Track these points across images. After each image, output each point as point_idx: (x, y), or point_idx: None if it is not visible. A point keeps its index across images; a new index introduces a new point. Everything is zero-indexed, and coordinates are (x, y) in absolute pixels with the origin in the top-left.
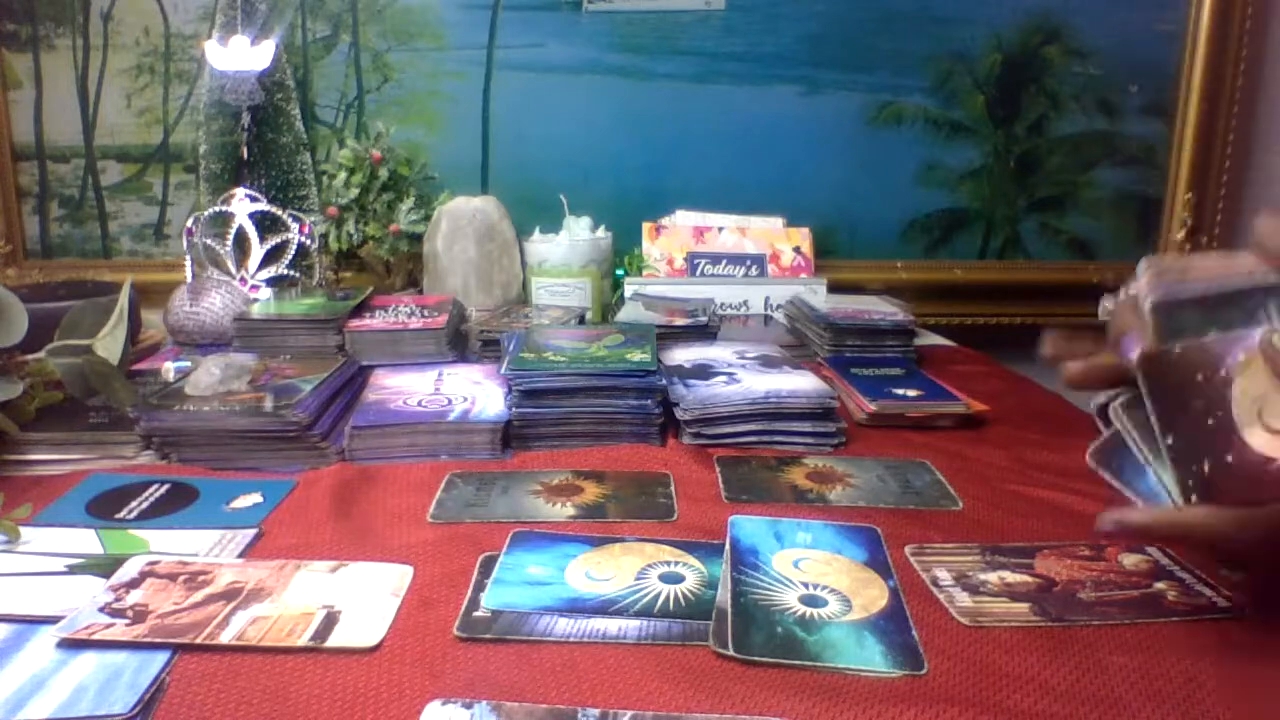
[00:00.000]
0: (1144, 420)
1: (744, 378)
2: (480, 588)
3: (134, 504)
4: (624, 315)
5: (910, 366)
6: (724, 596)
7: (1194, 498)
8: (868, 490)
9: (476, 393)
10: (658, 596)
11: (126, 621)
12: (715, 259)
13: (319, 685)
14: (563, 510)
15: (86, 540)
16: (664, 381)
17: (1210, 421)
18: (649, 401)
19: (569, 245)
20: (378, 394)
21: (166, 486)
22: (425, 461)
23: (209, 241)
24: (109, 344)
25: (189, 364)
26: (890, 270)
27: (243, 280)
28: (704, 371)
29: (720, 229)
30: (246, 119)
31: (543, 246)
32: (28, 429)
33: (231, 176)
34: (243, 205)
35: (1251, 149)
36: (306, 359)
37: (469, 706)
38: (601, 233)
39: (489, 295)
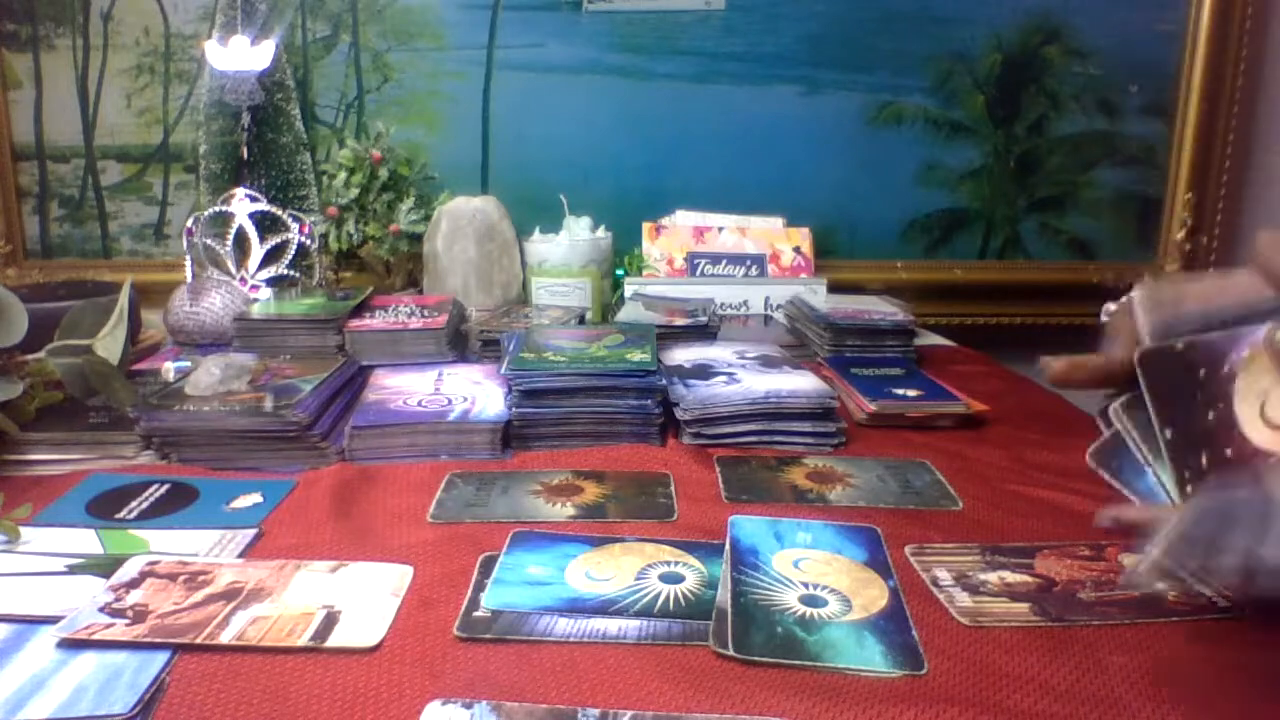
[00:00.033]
0: (1144, 421)
1: (744, 378)
2: (480, 588)
3: (134, 504)
4: (624, 315)
5: (910, 366)
6: (724, 596)
7: (1190, 491)
8: (868, 490)
9: (476, 393)
10: (658, 596)
11: (126, 621)
12: (715, 259)
13: (319, 685)
14: (563, 510)
15: (86, 540)
16: (664, 381)
17: (1210, 416)
18: (649, 401)
19: (569, 245)
20: (378, 394)
21: (166, 486)
22: (425, 461)
23: (209, 241)
24: (109, 344)
25: (189, 364)
26: (890, 270)
27: (243, 280)
28: (704, 371)
29: (720, 229)
30: (246, 119)
31: (543, 246)
32: (28, 429)
33: (231, 176)
34: (243, 205)
35: (1251, 149)
36: (306, 359)
37: (469, 706)
38: (601, 233)
39: (489, 295)
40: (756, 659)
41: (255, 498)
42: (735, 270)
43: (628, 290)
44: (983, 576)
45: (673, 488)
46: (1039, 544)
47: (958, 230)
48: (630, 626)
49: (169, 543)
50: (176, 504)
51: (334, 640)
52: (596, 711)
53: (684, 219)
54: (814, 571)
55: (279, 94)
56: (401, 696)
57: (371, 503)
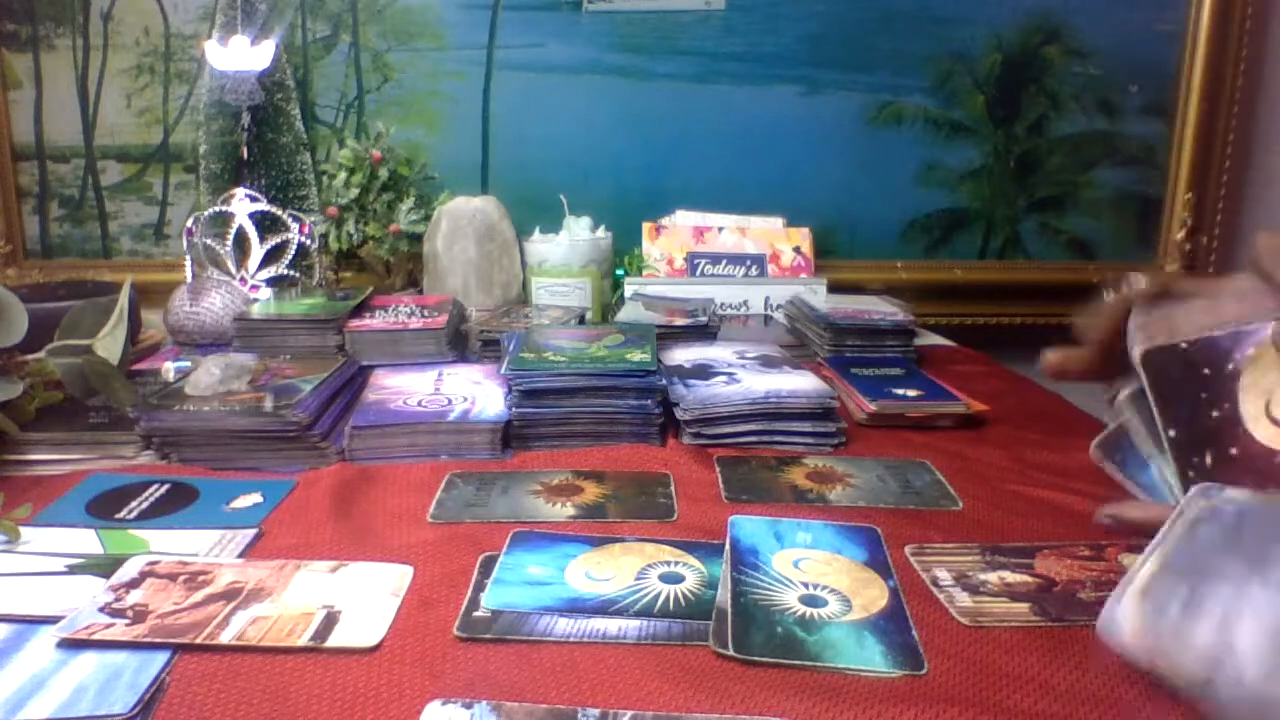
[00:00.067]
0: (1148, 414)
1: (744, 378)
2: (480, 588)
3: (134, 504)
4: (624, 315)
5: (910, 366)
6: (724, 596)
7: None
8: (868, 490)
9: (476, 393)
10: (658, 596)
11: (126, 621)
12: (715, 259)
13: (319, 685)
14: (563, 510)
15: (86, 540)
16: (664, 381)
17: (1215, 414)
18: (649, 401)
19: (569, 245)
20: (378, 394)
21: (166, 486)
22: (425, 461)
23: (209, 241)
24: (109, 344)
25: (189, 364)
26: (890, 270)
27: (243, 280)
28: (704, 371)
29: (720, 229)
30: (246, 119)
31: (543, 246)
32: (28, 429)
33: (231, 176)
34: (243, 205)
35: (1251, 149)
36: (306, 359)
37: (469, 706)
38: (601, 233)
39: (489, 295)
40: (756, 659)
41: (255, 498)
42: (735, 270)
43: (628, 290)
44: (983, 576)
45: (673, 488)
46: (1039, 544)
47: (958, 230)
48: (630, 626)
49: (169, 543)
50: (176, 504)
51: (334, 640)
52: (596, 711)
53: (684, 219)
54: (814, 571)
55: (279, 94)
56: (401, 696)
57: (371, 503)
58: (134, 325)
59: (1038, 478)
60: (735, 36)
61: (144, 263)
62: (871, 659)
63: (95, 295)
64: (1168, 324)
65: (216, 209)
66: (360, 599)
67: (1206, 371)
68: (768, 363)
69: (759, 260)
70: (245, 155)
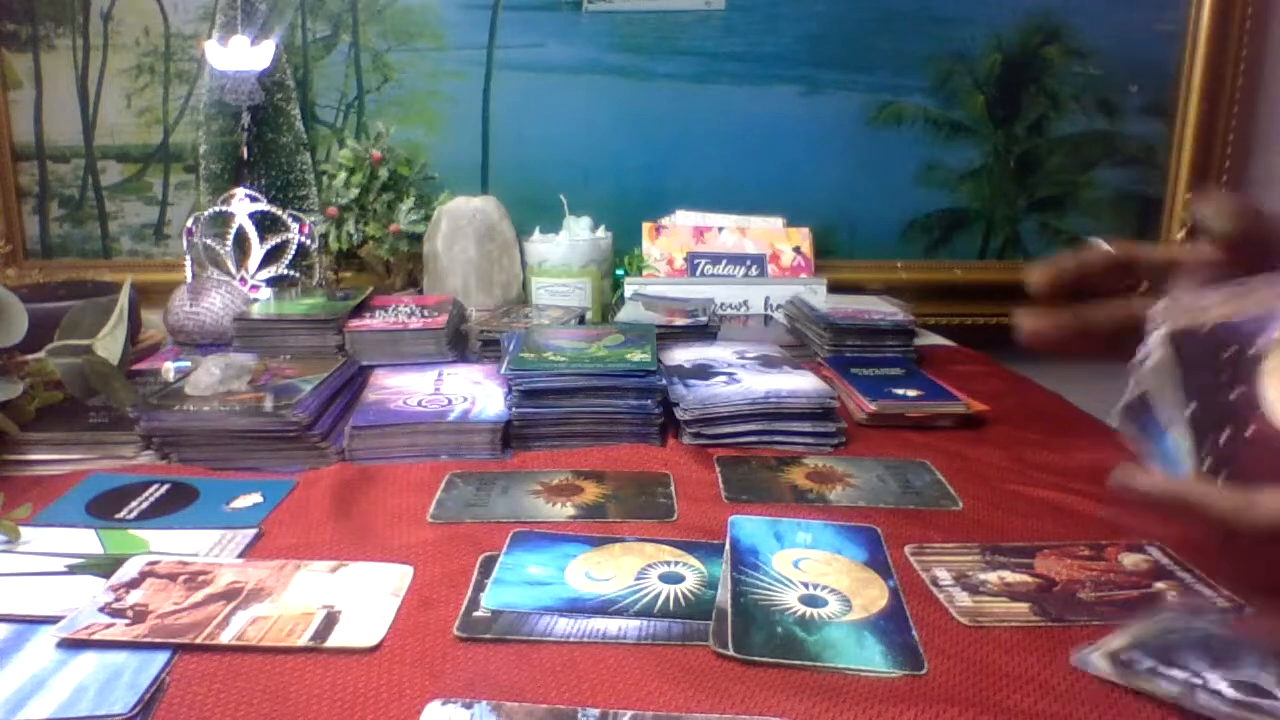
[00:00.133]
0: (1171, 385)
1: (744, 378)
2: (480, 588)
3: (134, 504)
4: (624, 315)
5: (910, 366)
6: (724, 596)
7: (1207, 466)
8: (868, 490)
9: (476, 393)
10: (658, 596)
11: (126, 621)
12: (715, 259)
13: (319, 685)
14: (563, 510)
15: (86, 540)
16: (664, 381)
17: (1233, 396)
18: (649, 401)
19: (569, 245)
20: (378, 394)
21: (166, 486)
22: (425, 461)
23: (209, 241)
24: (109, 344)
25: (189, 364)
26: (890, 270)
27: (243, 280)
28: (704, 371)
29: (720, 229)
30: (246, 119)
31: (543, 246)
32: (28, 429)
33: (231, 176)
34: (243, 205)
35: (1251, 149)
36: (306, 359)
37: (469, 706)
38: (601, 233)
39: (489, 295)
40: (756, 659)
41: (255, 498)
42: (735, 270)
43: (628, 290)
44: (982, 576)
45: (673, 488)
46: (1039, 544)
47: (958, 230)
48: (630, 626)
49: (169, 543)
50: (176, 504)
51: (334, 640)
52: (596, 711)
53: (684, 219)
54: (814, 571)
55: (279, 94)
56: (401, 696)
57: (371, 503)
58: (134, 325)
59: (1038, 478)
60: (735, 36)
61: (144, 263)
62: (871, 659)
63: (95, 295)
64: (1196, 306)
65: (216, 209)
66: (360, 599)
67: (1229, 353)
68: (768, 363)
69: (759, 260)
70: (245, 155)
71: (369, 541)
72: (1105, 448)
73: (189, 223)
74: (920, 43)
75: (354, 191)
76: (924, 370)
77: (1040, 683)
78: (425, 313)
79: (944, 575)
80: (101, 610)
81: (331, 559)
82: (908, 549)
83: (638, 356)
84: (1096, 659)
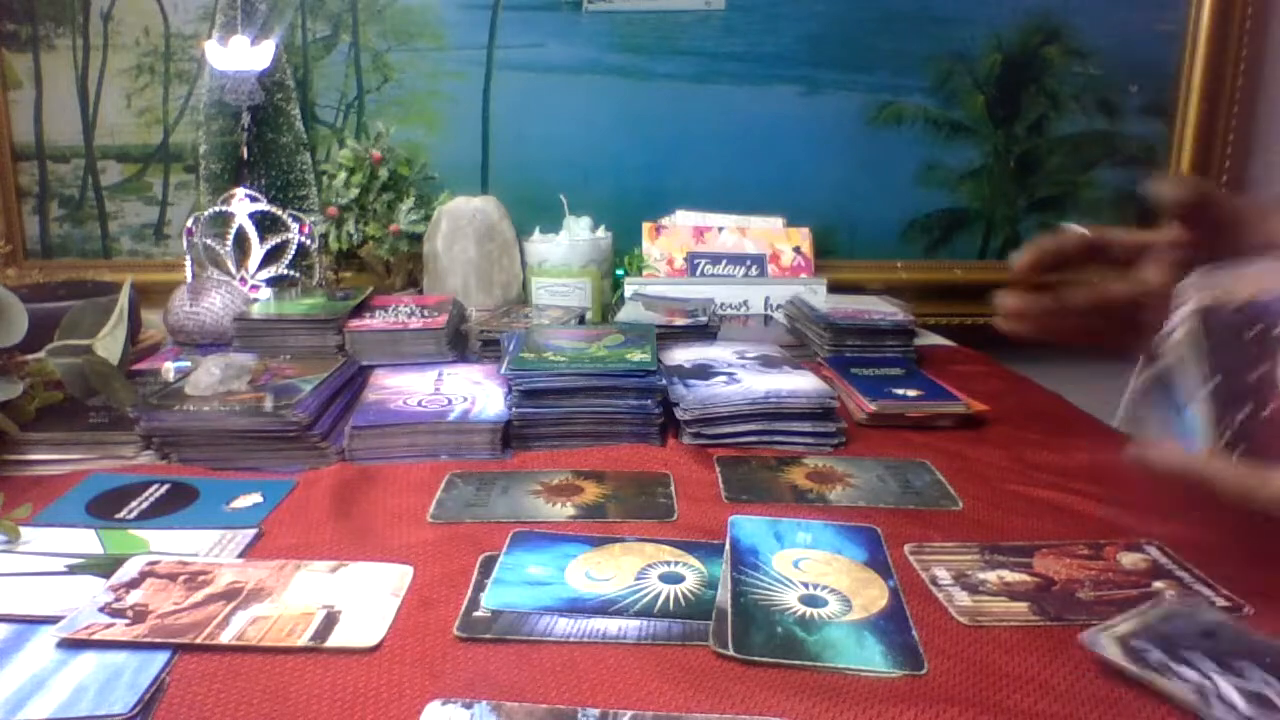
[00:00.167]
0: (1195, 359)
1: (744, 378)
2: (480, 588)
3: (134, 504)
4: (624, 315)
5: (910, 366)
6: (724, 596)
7: (1224, 441)
8: (868, 490)
9: (476, 393)
10: (658, 596)
11: (126, 621)
12: (715, 259)
13: (319, 685)
14: (563, 510)
15: (86, 540)
16: (664, 381)
17: (1255, 375)
18: (649, 401)
19: (569, 245)
20: (378, 394)
21: (166, 486)
22: (425, 461)
23: (209, 241)
24: (109, 344)
25: (189, 364)
26: (890, 270)
27: (243, 280)
28: (704, 371)
29: (720, 229)
30: (246, 119)
31: (543, 246)
32: (28, 429)
33: (231, 176)
34: (243, 205)
35: (1251, 149)
36: (306, 359)
37: (469, 706)
38: (601, 233)
39: (489, 295)
40: (756, 659)
41: (255, 498)
42: (735, 270)
43: (628, 290)
44: (981, 575)
45: (673, 488)
46: (1038, 543)
47: (958, 230)
48: (630, 626)
49: (169, 543)
50: (176, 504)
51: (334, 640)
52: (596, 711)
53: (684, 219)
54: (814, 571)
55: (279, 94)
56: (401, 696)
57: (371, 503)
58: (134, 325)
59: (1038, 478)
60: (735, 36)
61: (144, 263)
62: (871, 659)
63: (95, 295)
64: (1225, 283)
65: (216, 209)
66: (360, 599)
67: (1255, 331)
68: (768, 363)
69: (759, 260)
70: (245, 155)
71: (369, 541)
72: (1105, 448)
73: (189, 223)
74: (920, 43)
75: (354, 191)
76: (924, 370)
77: (1040, 682)
78: (425, 313)
79: (943, 575)
80: (101, 610)
81: (331, 559)
82: (907, 549)
83: (638, 356)
84: (1105, 640)
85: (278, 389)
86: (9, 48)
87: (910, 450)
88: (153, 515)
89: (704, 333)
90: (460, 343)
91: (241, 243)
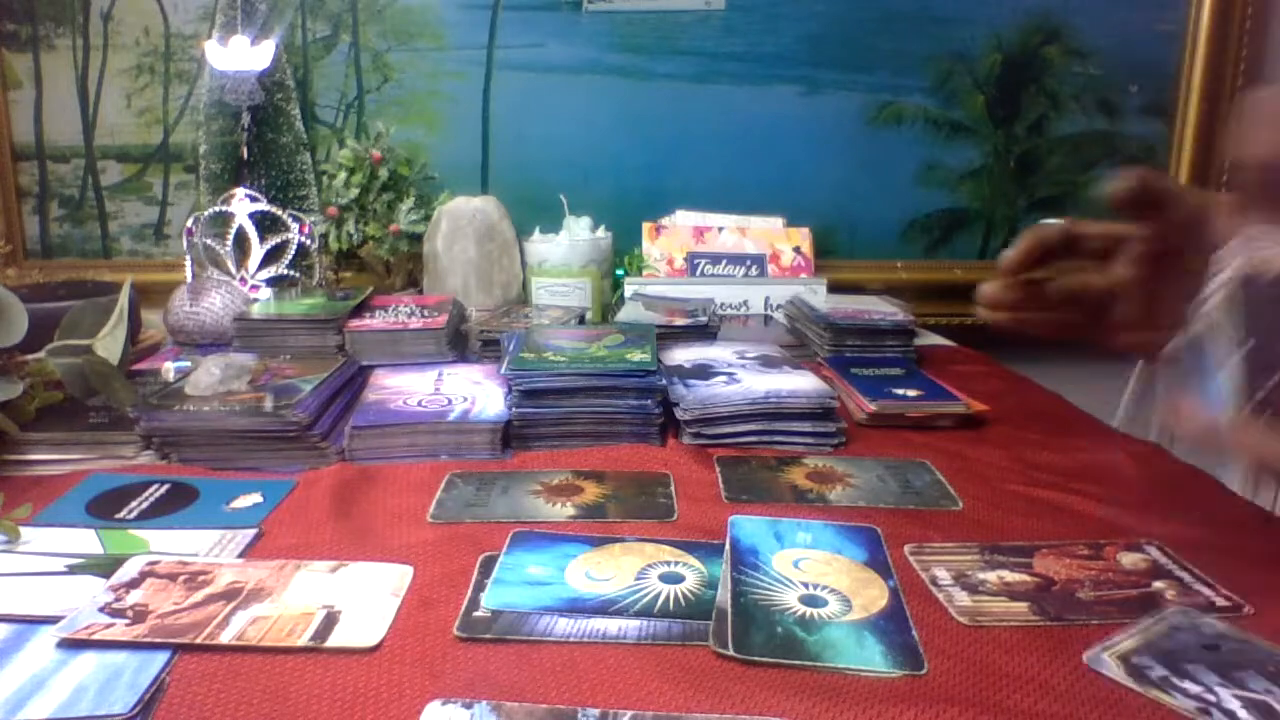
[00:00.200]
0: (1232, 323)
1: (744, 378)
2: (480, 588)
3: (134, 504)
4: (624, 315)
5: (910, 366)
6: (724, 596)
7: (1253, 406)
8: (868, 490)
9: (476, 393)
10: (658, 596)
11: (126, 621)
12: (715, 259)
13: (319, 685)
14: (563, 510)
15: (86, 540)
16: (664, 381)
17: None
18: (649, 401)
19: (569, 245)
20: (378, 394)
21: (166, 486)
22: (425, 461)
23: (209, 241)
24: (109, 344)
25: (189, 364)
26: (890, 270)
27: (243, 280)
28: (704, 371)
29: (720, 229)
30: (246, 119)
31: (543, 246)
32: (28, 429)
33: (231, 176)
34: (243, 205)
35: None
36: (306, 359)
37: (469, 706)
38: (601, 233)
39: (489, 295)
40: (756, 659)
41: (255, 498)
42: (735, 270)
43: (628, 290)
44: (981, 575)
45: (673, 488)
46: (1038, 543)
47: (958, 230)
48: (630, 626)
49: (169, 543)
50: (176, 504)
51: (334, 640)
52: (596, 711)
53: (684, 219)
54: (814, 571)
55: (279, 94)
56: (401, 696)
57: (371, 503)
58: (134, 325)
59: (1038, 478)
60: (735, 36)
61: (144, 263)
62: (871, 659)
63: (95, 295)
64: (1263, 254)
65: (216, 209)
66: (360, 599)
67: None
68: (768, 363)
69: (759, 260)
70: (245, 155)
71: (369, 541)
72: (1105, 448)
73: (189, 223)
74: (920, 43)
75: (354, 191)
76: (924, 370)
77: (1040, 682)
78: (425, 313)
79: (943, 575)
80: (101, 610)
81: (331, 559)
82: (907, 549)
83: (638, 356)
84: (1108, 659)
85: (278, 389)
86: (9, 48)
87: (910, 450)
88: (153, 515)
89: (704, 333)
90: (460, 343)
91: (241, 243)
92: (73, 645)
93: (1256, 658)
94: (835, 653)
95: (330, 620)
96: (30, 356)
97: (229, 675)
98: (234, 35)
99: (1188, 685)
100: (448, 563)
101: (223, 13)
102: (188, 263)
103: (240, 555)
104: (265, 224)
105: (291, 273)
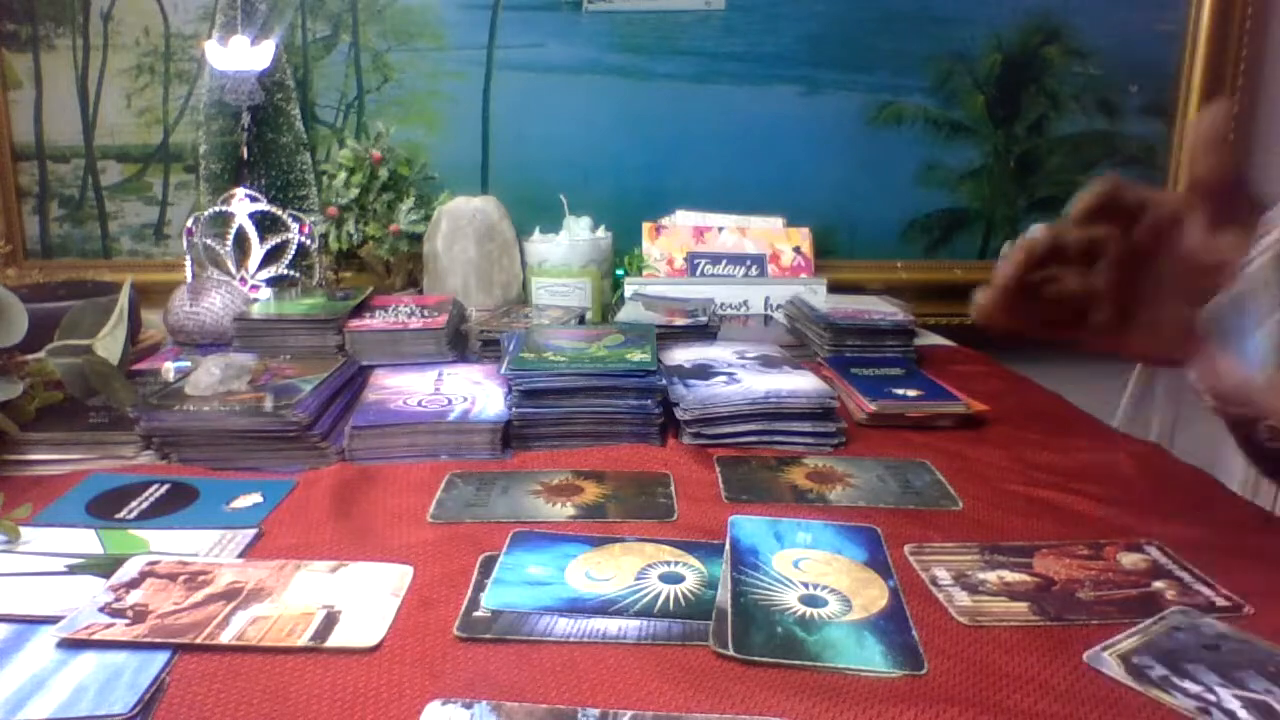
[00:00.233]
0: (1271, 283)
1: (744, 378)
2: (480, 588)
3: (134, 504)
4: (624, 315)
5: (910, 366)
6: (724, 596)
7: None
8: (868, 490)
9: (476, 393)
10: (658, 596)
11: (126, 621)
12: (715, 259)
13: (319, 685)
14: (563, 510)
15: (86, 540)
16: (664, 381)
17: None
18: (649, 401)
19: (569, 245)
20: (378, 394)
21: (166, 486)
22: (425, 461)
23: (209, 241)
24: (109, 344)
25: (189, 364)
26: (890, 270)
27: (243, 280)
28: (704, 371)
29: (720, 229)
30: (246, 119)
31: (543, 246)
32: (28, 429)
33: (231, 176)
34: (243, 205)
35: (1251, 149)
36: (306, 359)
37: (469, 706)
38: (601, 233)
39: (489, 295)
40: (756, 659)
41: (255, 498)
42: (735, 270)
43: (628, 290)
44: (981, 575)
45: (673, 488)
46: (1038, 543)
47: (958, 230)
48: (630, 626)
49: (169, 543)
50: (176, 504)
51: (334, 640)
52: (596, 711)
53: (684, 219)
54: (814, 571)
55: (279, 94)
56: (401, 696)
57: (371, 503)
58: (134, 325)
59: (1038, 478)
60: (735, 36)
61: (144, 263)
62: (871, 659)
63: (95, 295)
64: None
65: (216, 209)
66: (360, 599)
67: None
68: (768, 363)
69: (759, 260)
70: (245, 155)
71: (369, 541)
72: (1105, 448)
73: (189, 223)
74: (920, 43)
75: (354, 191)
76: (924, 370)
77: (1040, 682)
78: (425, 313)
79: (943, 575)
80: (101, 610)
81: (331, 559)
82: (907, 549)
83: (638, 356)
84: (1109, 658)
85: (278, 389)
86: (9, 48)
87: (910, 450)
88: (153, 515)
89: (704, 333)
90: (460, 343)
91: (241, 243)
92: (73, 645)
93: (1256, 658)
94: (835, 653)
95: (330, 620)
96: (30, 356)
97: (229, 675)
98: (234, 35)
99: (1188, 685)
100: (448, 563)
101: (223, 13)
102: (188, 263)
103: (240, 555)
104: (265, 224)
105: (291, 273)
